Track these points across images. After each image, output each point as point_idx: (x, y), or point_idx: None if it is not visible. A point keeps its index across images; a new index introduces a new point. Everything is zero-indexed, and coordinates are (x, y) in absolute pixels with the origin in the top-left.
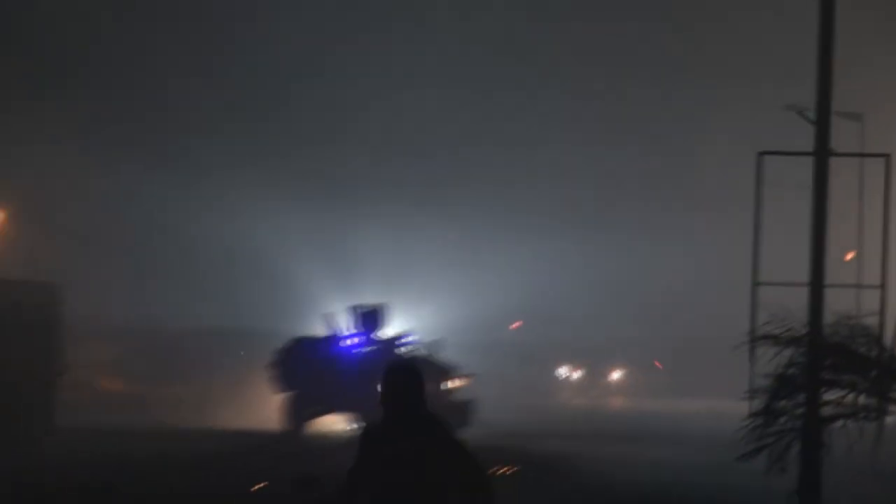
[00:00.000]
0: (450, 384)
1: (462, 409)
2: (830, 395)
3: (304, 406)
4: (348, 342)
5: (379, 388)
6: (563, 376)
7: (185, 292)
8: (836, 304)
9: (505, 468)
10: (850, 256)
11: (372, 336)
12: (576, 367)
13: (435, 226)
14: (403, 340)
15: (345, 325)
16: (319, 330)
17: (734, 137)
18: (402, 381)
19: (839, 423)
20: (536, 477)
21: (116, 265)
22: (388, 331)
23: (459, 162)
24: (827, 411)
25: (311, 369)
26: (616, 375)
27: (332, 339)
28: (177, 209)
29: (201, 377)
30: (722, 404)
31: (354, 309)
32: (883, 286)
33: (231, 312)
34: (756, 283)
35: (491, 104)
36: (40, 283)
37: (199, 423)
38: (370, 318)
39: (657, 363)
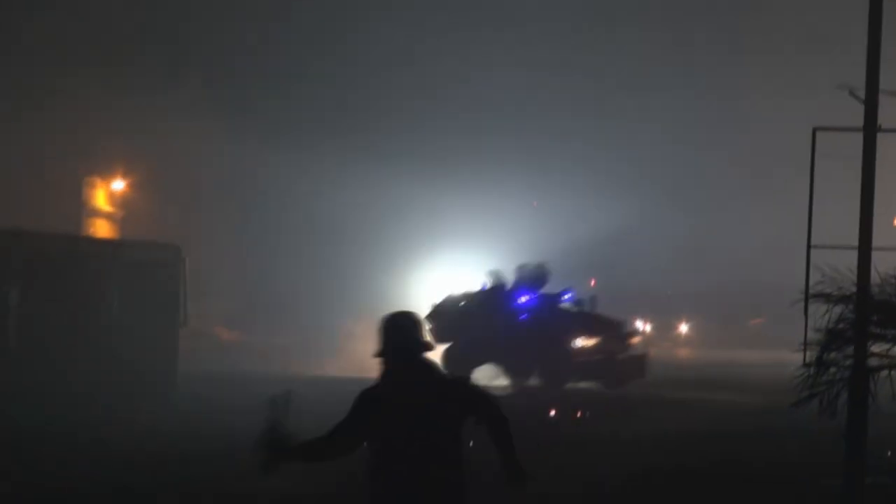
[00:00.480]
0: (627, 340)
1: (640, 362)
2: (876, 348)
3: (464, 359)
4: (516, 298)
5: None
6: (639, 329)
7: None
8: (883, 265)
9: (575, 413)
10: None
11: (535, 292)
12: (647, 319)
13: (505, 184)
14: (564, 297)
15: (506, 281)
16: (476, 286)
17: (791, 114)
18: (406, 325)
19: (884, 373)
20: (601, 420)
21: (235, 229)
22: (548, 288)
23: (524, 115)
24: (873, 363)
25: (472, 323)
26: (683, 328)
27: (495, 294)
28: (295, 180)
29: (311, 329)
30: (779, 355)
31: (519, 267)
32: None
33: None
34: (810, 246)
35: (562, 78)
36: (165, 243)
37: (308, 372)
38: (533, 275)
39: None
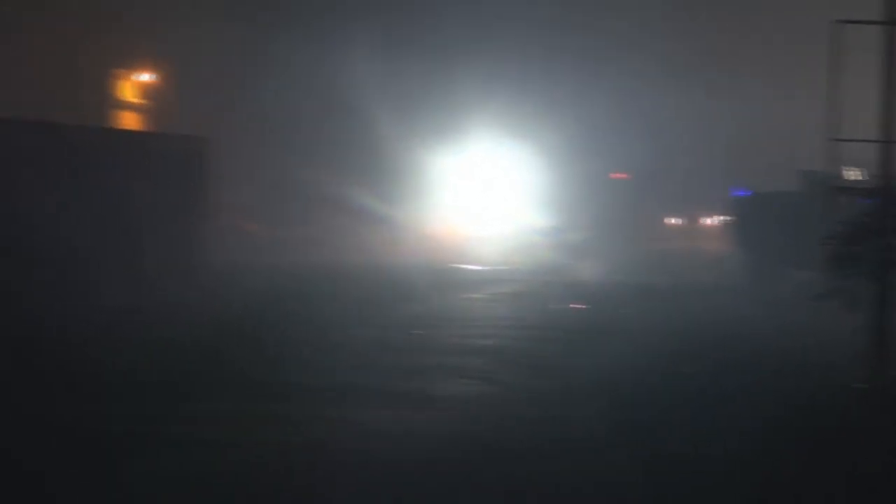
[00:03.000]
0: None
1: None
2: None
3: (768, 264)
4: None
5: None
6: (670, 224)
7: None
8: None
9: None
10: None
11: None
12: (676, 215)
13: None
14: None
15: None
16: (780, 187)
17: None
18: None
19: None
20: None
21: (262, 124)
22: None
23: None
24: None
25: (774, 227)
26: (710, 221)
27: (801, 197)
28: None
29: (329, 220)
30: None
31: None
32: None
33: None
34: (832, 139)
35: None
36: (190, 135)
37: (324, 260)
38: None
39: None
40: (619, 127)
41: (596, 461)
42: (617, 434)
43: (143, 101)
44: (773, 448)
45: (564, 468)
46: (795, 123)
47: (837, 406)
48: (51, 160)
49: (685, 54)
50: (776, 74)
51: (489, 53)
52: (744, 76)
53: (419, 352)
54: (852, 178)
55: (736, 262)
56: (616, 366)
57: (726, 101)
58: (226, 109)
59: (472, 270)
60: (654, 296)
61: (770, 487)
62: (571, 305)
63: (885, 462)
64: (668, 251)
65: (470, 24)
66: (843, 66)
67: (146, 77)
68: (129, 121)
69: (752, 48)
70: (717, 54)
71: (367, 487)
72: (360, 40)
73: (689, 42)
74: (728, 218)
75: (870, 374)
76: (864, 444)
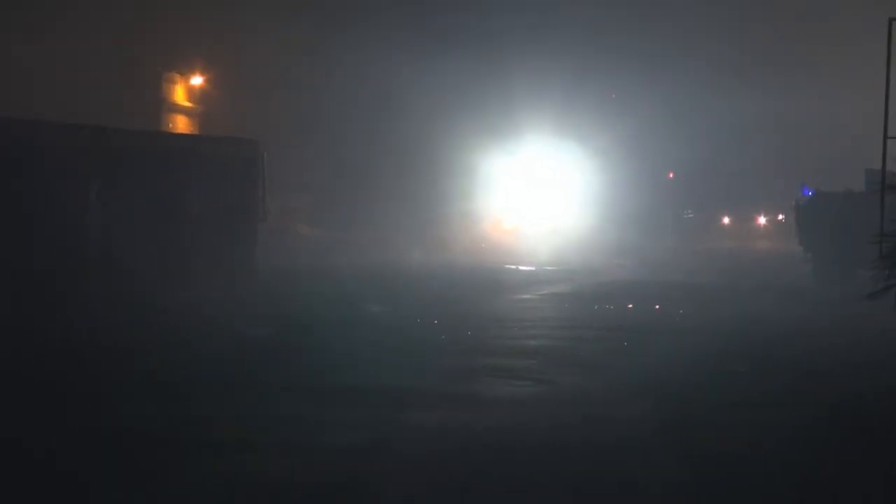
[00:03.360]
0: None
1: None
2: None
3: (832, 263)
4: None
5: None
6: (725, 224)
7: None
8: None
9: (657, 306)
10: None
11: None
12: (728, 215)
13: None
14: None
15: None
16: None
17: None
18: None
19: None
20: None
21: (314, 126)
22: None
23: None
24: None
25: (838, 226)
26: (761, 220)
27: (865, 196)
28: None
29: (382, 222)
30: None
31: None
32: None
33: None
34: (887, 137)
35: None
36: (243, 138)
37: (377, 263)
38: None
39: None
40: (674, 127)
41: (646, 460)
42: (667, 433)
43: (195, 105)
44: (819, 448)
45: (618, 467)
46: (860, 122)
47: (886, 406)
48: (101, 164)
49: (742, 55)
50: (836, 73)
51: (543, 55)
52: (802, 75)
53: (474, 353)
54: None
55: (800, 262)
56: (669, 365)
57: (784, 101)
58: (278, 112)
59: (524, 271)
60: (708, 295)
61: (814, 488)
62: (628, 306)
63: None
64: (723, 250)
65: (524, 26)
66: None
67: (198, 80)
68: (182, 124)
69: (812, 47)
70: (773, 54)
71: (434, 488)
72: (413, 42)
73: (747, 43)
74: (793, 217)
75: None
76: None
